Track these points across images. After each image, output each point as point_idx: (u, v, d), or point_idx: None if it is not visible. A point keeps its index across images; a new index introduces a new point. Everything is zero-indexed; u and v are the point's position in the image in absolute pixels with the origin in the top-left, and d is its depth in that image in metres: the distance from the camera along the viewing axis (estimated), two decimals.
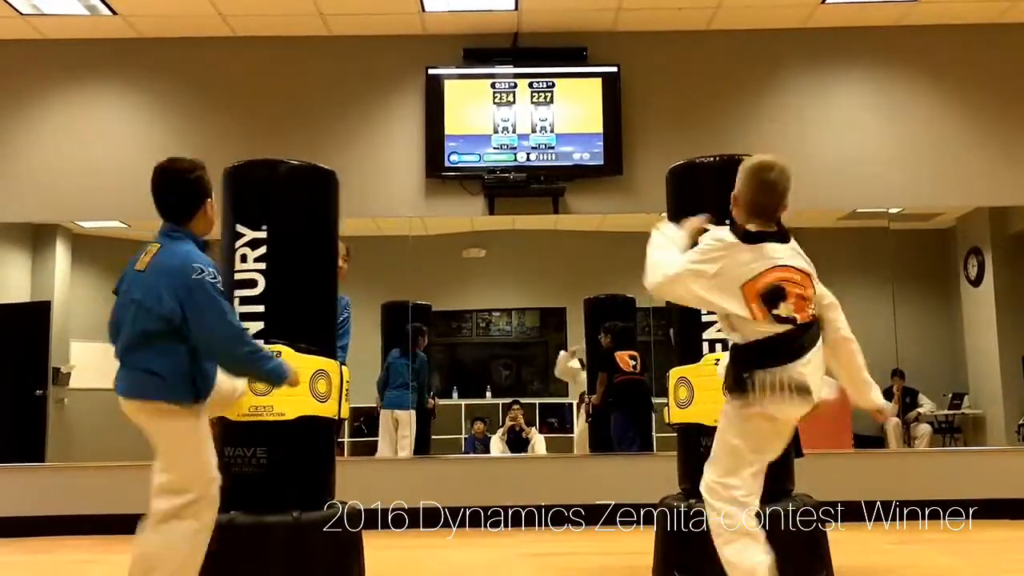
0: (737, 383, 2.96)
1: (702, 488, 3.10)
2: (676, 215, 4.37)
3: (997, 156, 6.65)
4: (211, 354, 3.10)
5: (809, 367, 2.95)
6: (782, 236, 3.01)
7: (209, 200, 3.24)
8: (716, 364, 3.36)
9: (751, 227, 2.99)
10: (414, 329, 7.34)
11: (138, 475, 3.54)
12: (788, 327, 2.93)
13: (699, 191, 4.24)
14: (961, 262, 7.23)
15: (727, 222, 3.08)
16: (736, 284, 2.92)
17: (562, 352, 7.86)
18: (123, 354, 3.11)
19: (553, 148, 6.57)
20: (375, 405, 7.22)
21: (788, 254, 2.99)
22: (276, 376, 3.23)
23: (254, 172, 4.05)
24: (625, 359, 7.21)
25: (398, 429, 7.10)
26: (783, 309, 2.92)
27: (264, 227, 3.88)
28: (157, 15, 6.38)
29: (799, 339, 2.95)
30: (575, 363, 7.79)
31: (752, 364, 2.94)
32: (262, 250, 3.89)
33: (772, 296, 2.92)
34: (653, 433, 7.00)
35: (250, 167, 4.06)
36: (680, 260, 2.99)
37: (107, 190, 6.59)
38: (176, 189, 3.18)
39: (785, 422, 3.05)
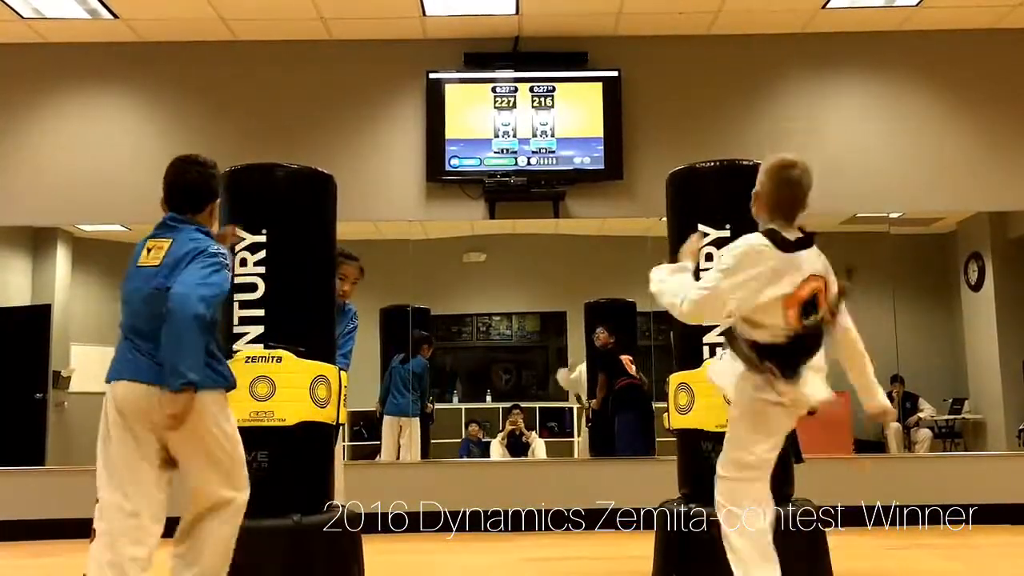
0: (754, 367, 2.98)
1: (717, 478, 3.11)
2: (676, 220, 4.39)
3: (997, 161, 6.65)
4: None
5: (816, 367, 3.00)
6: (808, 241, 3.03)
7: (217, 201, 3.27)
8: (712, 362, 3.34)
9: (780, 229, 2.99)
10: (419, 337, 7.31)
11: None
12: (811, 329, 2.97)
13: (699, 196, 4.24)
14: (961, 267, 7.23)
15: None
16: (776, 293, 2.92)
17: (561, 370, 7.85)
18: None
19: (554, 152, 6.57)
20: (375, 409, 7.21)
21: (816, 262, 3.02)
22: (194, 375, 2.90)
23: (253, 176, 4.06)
24: (628, 362, 7.20)
25: (401, 435, 7.09)
26: (812, 319, 2.96)
27: (264, 231, 3.89)
28: (158, 19, 6.39)
29: (816, 339, 3.00)
30: (576, 374, 7.77)
31: (771, 358, 2.97)
32: (262, 254, 3.90)
33: (807, 307, 2.95)
34: (655, 438, 7.00)
35: (248, 171, 4.07)
36: (707, 276, 2.97)
37: (108, 193, 6.60)
38: (193, 180, 3.19)
39: (797, 409, 3.05)
